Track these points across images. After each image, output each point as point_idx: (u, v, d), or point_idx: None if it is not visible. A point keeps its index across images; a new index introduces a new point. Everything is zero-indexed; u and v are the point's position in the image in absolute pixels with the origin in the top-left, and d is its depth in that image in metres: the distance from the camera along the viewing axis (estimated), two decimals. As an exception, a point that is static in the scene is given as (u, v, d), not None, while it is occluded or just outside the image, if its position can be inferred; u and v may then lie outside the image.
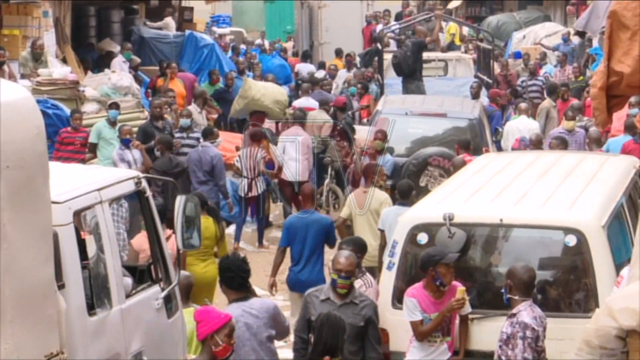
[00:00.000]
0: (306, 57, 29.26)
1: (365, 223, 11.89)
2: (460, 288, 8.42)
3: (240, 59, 24.80)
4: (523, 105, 18.95)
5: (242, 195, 15.65)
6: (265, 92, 18.75)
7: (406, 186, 12.06)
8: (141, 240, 10.44)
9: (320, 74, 25.83)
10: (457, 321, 8.52)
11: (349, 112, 19.20)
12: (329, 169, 16.79)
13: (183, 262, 10.54)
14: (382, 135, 14.54)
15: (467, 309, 8.49)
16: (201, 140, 15.68)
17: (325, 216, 11.94)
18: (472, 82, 20.06)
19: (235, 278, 8.12)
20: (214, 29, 34.05)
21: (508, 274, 7.95)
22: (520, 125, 17.85)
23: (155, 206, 8.23)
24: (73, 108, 16.57)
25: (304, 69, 26.93)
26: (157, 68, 21.36)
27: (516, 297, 7.85)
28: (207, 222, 10.95)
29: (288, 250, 11.41)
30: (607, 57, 7.18)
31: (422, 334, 8.41)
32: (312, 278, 10.86)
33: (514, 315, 7.83)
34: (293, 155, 16.18)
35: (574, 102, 18.94)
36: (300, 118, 17.41)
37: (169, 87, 19.48)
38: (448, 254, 8.37)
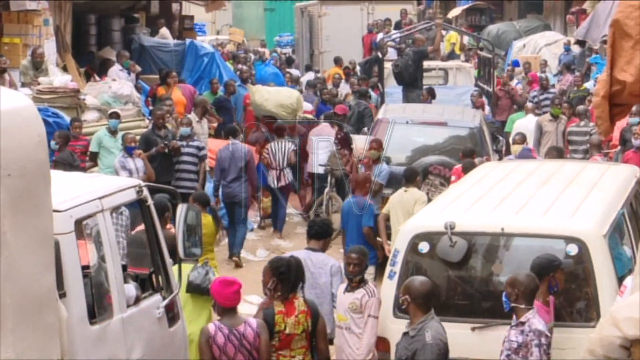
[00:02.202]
0: (290, 62, 29.69)
1: (402, 218, 12.18)
2: None
3: (244, 67, 24.83)
4: (530, 104, 20.09)
5: (273, 186, 16.76)
6: (269, 96, 19.06)
7: (410, 171, 13.30)
8: None
9: (309, 76, 26.33)
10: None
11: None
12: (329, 177, 16.84)
13: None
14: (377, 145, 14.60)
15: None
16: (203, 148, 15.89)
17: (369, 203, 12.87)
18: (472, 91, 20.07)
19: (314, 227, 9.94)
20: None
21: (512, 282, 7.89)
22: (529, 124, 18.65)
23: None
24: (73, 116, 16.56)
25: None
26: (158, 76, 21.36)
27: (522, 306, 7.82)
28: (206, 220, 11.36)
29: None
30: (609, 65, 7.17)
31: None
32: None
33: (523, 323, 7.80)
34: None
35: (580, 106, 19.04)
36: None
37: (170, 95, 19.50)
38: (562, 260, 8.29)
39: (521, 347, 7.74)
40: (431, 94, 19.34)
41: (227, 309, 7.90)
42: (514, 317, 7.90)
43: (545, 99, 21.46)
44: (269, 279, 8.20)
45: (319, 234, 9.86)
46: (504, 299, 7.92)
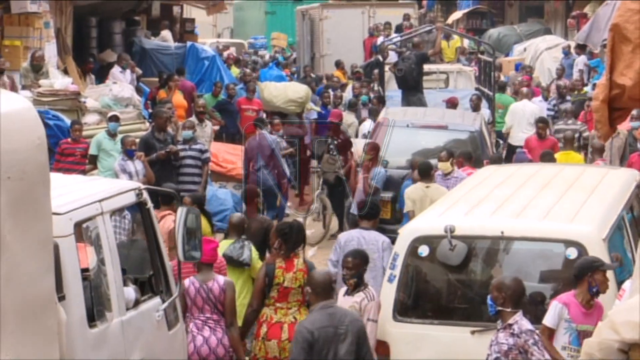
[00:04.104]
0: (277, 65, 30.14)
1: None
2: None
3: (247, 70, 24.88)
4: (525, 90, 20.77)
5: None
6: (278, 93, 19.51)
7: (425, 165, 13.43)
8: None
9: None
10: None
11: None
12: (320, 180, 16.94)
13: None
14: (371, 148, 14.62)
15: None
16: (206, 151, 15.90)
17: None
18: (471, 95, 20.02)
19: (364, 209, 11.00)
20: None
21: (499, 286, 7.90)
22: (525, 107, 19.80)
23: None
24: (73, 119, 16.56)
25: None
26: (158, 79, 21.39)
27: (508, 310, 7.84)
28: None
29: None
30: (609, 70, 7.17)
31: (550, 349, 8.05)
32: None
33: (511, 325, 7.82)
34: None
35: (563, 105, 19.52)
36: None
37: (171, 99, 19.52)
38: (606, 262, 8.21)
39: (512, 350, 7.76)
40: (381, 101, 19.67)
41: (203, 265, 9.09)
42: (500, 321, 7.92)
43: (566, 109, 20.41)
44: (275, 240, 9.50)
45: (369, 215, 10.95)
46: (489, 302, 7.92)
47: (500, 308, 7.86)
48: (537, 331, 7.84)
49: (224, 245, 10.36)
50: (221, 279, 9.17)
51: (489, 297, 7.93)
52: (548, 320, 8.15)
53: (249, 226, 10.94)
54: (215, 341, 9.03)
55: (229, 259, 10.22)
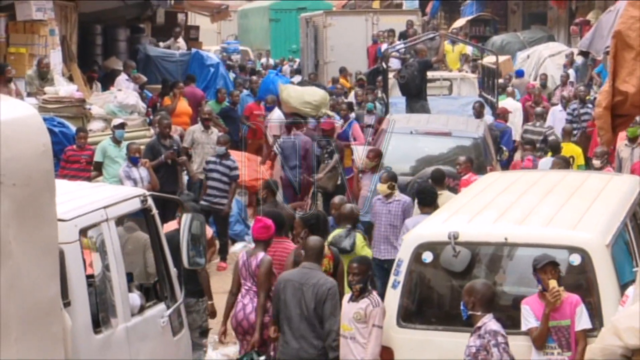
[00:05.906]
0: (242, 69, 30.47)
1: None
2: (551, 280, 8.19)
3: (254, 77, 24.89)
4: (509, 89, 22.02)
5: None
6: (295, 94, 19.81)
7: (438, 173, 13.37)
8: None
9: (296, 79, 26.65)
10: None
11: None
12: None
13: None
14: (373, 155, 14.58)
15: (584, 324, 8.20)
16: (236, 168, 15.77)
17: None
18: (474, 102, 20.01)
19: (427, 198, 11.89)
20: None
21: (469, 291, 8.06)
22: (508, 105, 20.76)
23: None
24: (78, 126, 16.59)
25: None
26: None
27: (479, 313, 7.99)
28: None
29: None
30: (612, 77, 7.19)
31: (536, 339, 8.22)
32: None
33: (479, 328, 7.95)
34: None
35: (537, 108, 20.25)
36: None
37: (172, 107, 19.56)
38: (543, 261, 8.26)
39: (480, 351, 7.89)
40: (351, 108, 20.10)
41: (257, 241, 10.12)
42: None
43: (585, 113, 20.30)
44: (301, 230, 10.22)
45: (428, 201, 11.77)
46: (462, 307, 8.06)
47: (470, 312, 7.99)
48: (503, 332, 7.92)
49: (334, 234, 11.10)
50: (261, 255, 9.97)
51: (462, 302, 8.04)
52: (524, 324, 8.26)
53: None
54: (251, 308, 9.96)
55: (331, 244, 10.82)
